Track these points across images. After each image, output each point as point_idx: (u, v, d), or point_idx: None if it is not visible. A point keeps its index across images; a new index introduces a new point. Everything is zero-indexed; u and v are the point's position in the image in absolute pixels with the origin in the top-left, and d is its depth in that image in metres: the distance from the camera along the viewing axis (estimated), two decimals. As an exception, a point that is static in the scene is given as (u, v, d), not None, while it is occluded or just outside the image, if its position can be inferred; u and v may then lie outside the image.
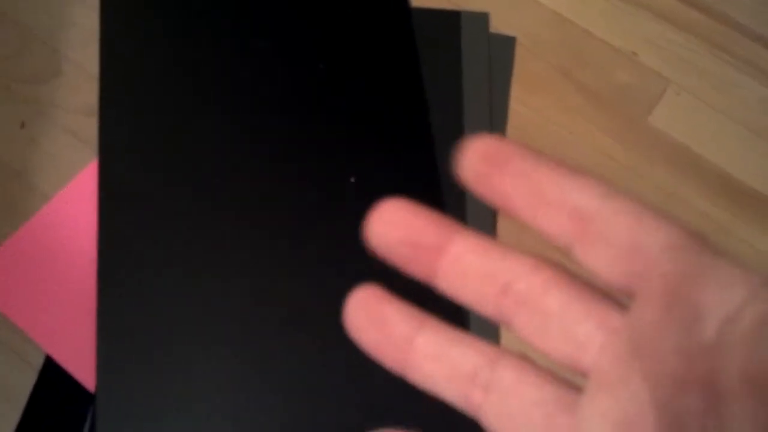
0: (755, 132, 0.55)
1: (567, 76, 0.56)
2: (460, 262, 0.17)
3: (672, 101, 0.56)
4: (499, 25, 0.57)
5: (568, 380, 0.16)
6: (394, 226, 0.18)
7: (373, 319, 0.17)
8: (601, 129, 0.54)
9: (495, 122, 0.53)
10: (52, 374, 0.43)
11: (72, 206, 0.47)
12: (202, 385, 0.42)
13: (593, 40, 0.58)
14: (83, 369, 0.43)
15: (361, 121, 0.51)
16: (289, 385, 0.43)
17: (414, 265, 0.17)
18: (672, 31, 0.58)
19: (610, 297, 0.16)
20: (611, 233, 0.15)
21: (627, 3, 0.59)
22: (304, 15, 0.54)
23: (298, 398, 0.42)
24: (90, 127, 0.50)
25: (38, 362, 0.43)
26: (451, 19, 0.55)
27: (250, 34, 0.53)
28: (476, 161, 0.16)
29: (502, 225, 0.50)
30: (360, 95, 0.52)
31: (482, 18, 0.56)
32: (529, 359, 0.16)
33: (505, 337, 0.47)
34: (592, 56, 0.57)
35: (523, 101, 0.55)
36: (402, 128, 0.51)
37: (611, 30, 0.58)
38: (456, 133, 0.52)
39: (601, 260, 0.15)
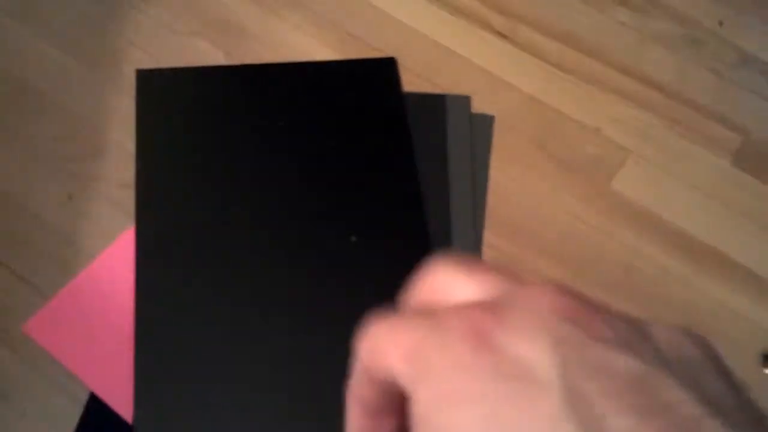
0: (707, 194, 0.63)
1: (540, 148, 0.64)
2: None
3: (633, 169, 0.63)
4: (480, 106, 0.65)
5: None
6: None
7: None
8: (571, 194, 0.62)
9: (477, 190, 0.61)
10: (95, 408, 0.49)
11: (112, 265, 0.54)
12: (230, 417, 0.49)
13: (563, 117, 0.66)
14: (123, 403, 0.49)
15: (362, 189, 0.59)
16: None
17: None
18: (632, 108, 0.67)
19: None
20: None
21: (591, 84, 0.68)
22: (314, 102, 0.63)
23: None
24: (128, 198, 0.57)
25: (83, 397, 0.50)
26: (438, 101, 0.64)
27: (268, 116, 0.61)
28: None
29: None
30: (361, 167, 0.60)
31: (465, 100, 0.64)
32: None
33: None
34: (562, 131, 0.65)
35: (502, 171, 0.63)
36: (396, 196, 0.59)
37: (578, 108, 0.66)
38: (443, 199, 0.59)
39: None
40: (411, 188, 0.59)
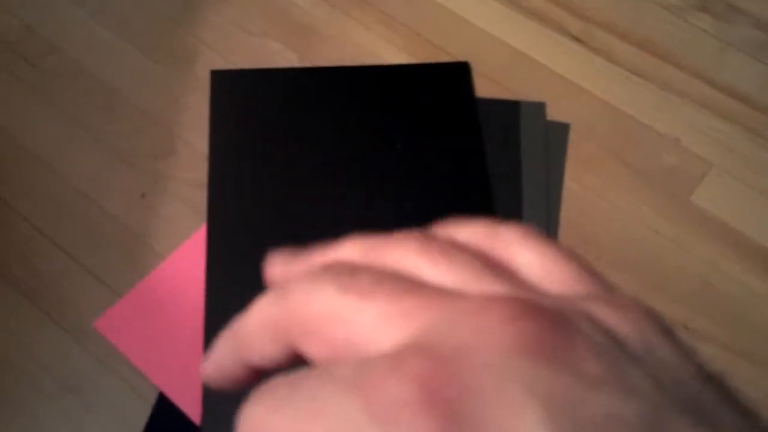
0: (792, 210, 0.60)
1: (617, 157, 0.62)
2: None
3: (713, 182, 0.61)
4: (555, 113, 0.64)
5: None
6: None
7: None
8: (648, 205, 0.60)
9: (550, 199, 0.59)
10: (164, 408, 0.49)
11: (183, 264, 0.54)
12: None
13: (640, 125, 0.64)
14: (191, 404, 0.49)
15: (433, 195, 0.58)
16: None
17: None
18: (713, 119, 0.64)
19: None
20: None
21: (671, 93, 0.66)
22: (386, 106, 0.62)
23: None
24: (200, 197, 0.58)
25: (152, 397, 0.50)
26: (512, 108, 0.63)
27: (340, 119, 0.61)
28: None
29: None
30: (432, 173, 0.59)
31: (539, 107, 0.63)
32: None
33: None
34: (640, 140, 0.63)
35: (577, 180, 0.61)
36: (468, 201, 0.58)
37: (656, 117, 0.64)
38: (515, 206, 0.58)
39: None
40: (482, 196, 0.58)
